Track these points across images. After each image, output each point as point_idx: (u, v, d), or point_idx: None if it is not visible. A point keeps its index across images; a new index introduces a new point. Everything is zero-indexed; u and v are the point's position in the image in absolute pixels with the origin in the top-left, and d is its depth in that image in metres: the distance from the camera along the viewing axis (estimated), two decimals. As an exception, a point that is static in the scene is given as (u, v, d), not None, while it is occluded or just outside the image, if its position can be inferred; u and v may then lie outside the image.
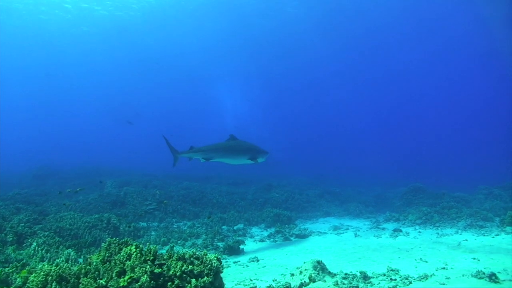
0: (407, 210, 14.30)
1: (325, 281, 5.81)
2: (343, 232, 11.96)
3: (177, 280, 4.06)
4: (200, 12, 38.54)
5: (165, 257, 4.46)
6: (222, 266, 4.74)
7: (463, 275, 6.20)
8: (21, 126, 73.28)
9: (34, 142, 65.27)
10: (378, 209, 17.86)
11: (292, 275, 6.28)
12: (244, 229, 13.01)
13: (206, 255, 4.63)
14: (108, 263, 4.58)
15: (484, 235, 9.86)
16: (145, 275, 3.95)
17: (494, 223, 11.62)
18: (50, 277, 4.27)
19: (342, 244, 9.90)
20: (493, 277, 5.85)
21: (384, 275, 6.46)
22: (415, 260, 7.46)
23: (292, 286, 5.93)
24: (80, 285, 4.13)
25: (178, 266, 4.17)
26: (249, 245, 10.62)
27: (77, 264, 5.33)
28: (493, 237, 9.51)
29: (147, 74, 59.16)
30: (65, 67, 55.98)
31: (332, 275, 6.23)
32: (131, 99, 70.11)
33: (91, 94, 69.84)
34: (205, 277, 4.21)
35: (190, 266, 4.24)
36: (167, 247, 9.64)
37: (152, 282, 3.95)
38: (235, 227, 13.29)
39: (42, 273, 4.29)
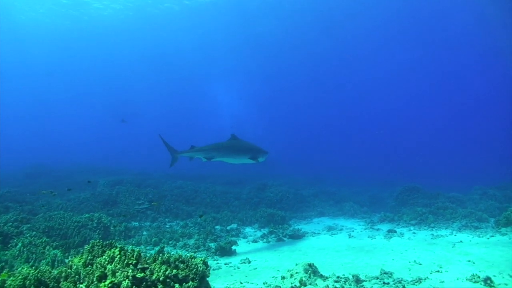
0: (401, 210, 14.18)
1: (316, 284, 5.66)
2: (337, 233, 11.83)
3: (160, 285, 3.90)
4: (199, 10, 38.30)
5: (149, 260, 4.29)
6: (209, 269, 4.58)
7: (457, 279, 6.07)
8: (17, 124, 72.79)
9: (30, 141, 64.90)
10: (373, 209, 17.74)
11: (283, 278, 6.13)
12: (238, 229, 12.85)
13: (193, 258, 4.47)
14: (90, 266, 4.41)
15: (479, 237, 9.75)
16: (127, 280, 3.78)
17: (489, 224, 11.52)
18: (28, 281, 4.09)
19: (335, 245, 9.76)
20: (488, 281, 5.72)
21: (377, 278, 6.32)
22: (409, 262, 7.32)
23: (282, 290, 5.78)
24: (59, 290, 3.96)
25: (161, 271, 4.01)
26: (241, 245, 10.46)
27: (61, 266, 5.15)
28: (488, 239, 9.39)
29: (145, 72, 58.90)
30: (63, 65, 55.62)
31: (324, 278, 6.08)
32: (130, 97, 69.80)
33: (89, 93, 69.49)
34: (190, 282, 4.05)
35: (174, 270, 4.07)
36: (158, 248, 9.47)
37: (133, 287, 3.78)
38: (228, 227, 13.13)
39: (20, 277, 4.11)
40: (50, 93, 68.50)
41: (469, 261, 7.10)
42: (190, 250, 9.86)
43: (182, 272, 4.13)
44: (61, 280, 4.20)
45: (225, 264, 8.17)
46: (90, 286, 3.93)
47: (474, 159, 50.10)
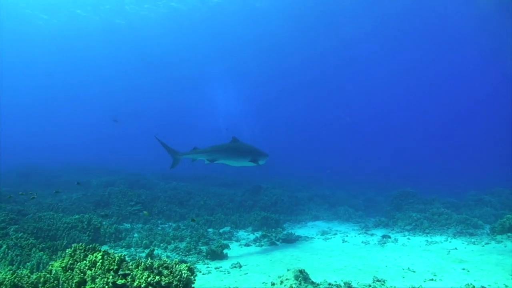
0: (396, 215, 14.04)
1: (307, 292, 5.50)
2: (331, 237, 11.68)
3: (142, 293, 3.73)
4: (199, 10, 38.17)
5: (131, 266, 4.11)
6: (195, 275, 4.41)
7: None
8: (15, 124, 72.30)
9: (27, 140, 64.44)
10: (368, 213, 17.62)
11: (273, 284, 5.97)
12: (231, 232, 12.67)
13: (177, 264, 4.29)
14: (70, 271, 4.23)
15: (474, 244, 9.63)
16: (106, 287, 3.61)
17: (484, 231, 11.42)
18: (3, 287, 3.90)
19: (329, 250, 9.61)
20: (483, 290, 5.59)
21: (370, 286, 6.17)
22: (403, 269, 7.17)
23: (272, 297, 5.62)
24: (35, 296, 3.78)
25: (143, 277, 3.84)
26: (234, 249, 10.29)
27: (40, 271, 4.97)
28: (483, 246, 9.27)
29: (144, 72, 58.64)
30: (62, 65, 55.32)
31: (315, 285, 5.92)
32: (128, 97, 69.49)
33: (86, 93, 69.10)
34: (173, 290, 3.88)
35: (157, 277, 3.90)
36: (147, 250, 9.29)
37: (113, 294, 3.62)
38: (221, 230, 12.96)
39: (-5, 282, 3.93)
40: (48, 93, 68.09)
41: (463, 269, 6.97)
42: (181, 253, 9.67)
43: (166, 278, 3.96)
44: (39, 285, 4.02)
45: (216, 268, 8.00)
46: (69, 293, 3.76)
47: (471, 162, 50.21)
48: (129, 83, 64.09)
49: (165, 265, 4.21)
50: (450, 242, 10.13)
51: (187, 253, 9.66)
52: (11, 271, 4.40)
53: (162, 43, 47.78)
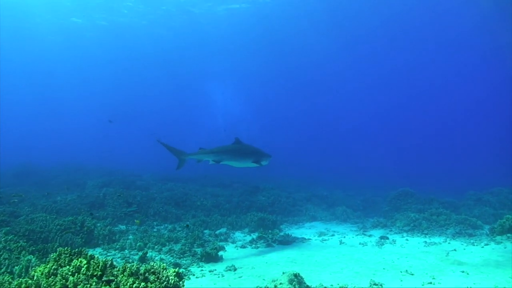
0: (395, 215, 13.88)
1: (301, 296, 5.33)
2: (328, 239, 11.51)
3: (126, 300, 3.56)
4: (199, 10, 37.97)
5: (115, 271, 3.93)
6: (183, 281, 4.24)
7: (450, 291, 5.77)
8: (15, 123, 71.96)
9: (28, 140, 64.14)
10: (366, 214, 17.48)
11: (267, 288, 5.80)
12: (227, 233, 12.51)
13: (165, 269, 4.12)
14: (53, 276, 4.05)
15: (474, 245, 9.47)
16: (88, 295, 3.44)
17: (483, 231, 11.27)
18: (-18, 294, 3.73)
19: (325, 252, 9.44)
20: (483, 294, 5.43)
21: (367, 289, 6.01)
22: (401, 272, 7.01)
23: (266, 301, 5.44)
24: (14, 304, 3.61)
25: (128, 284, 3.66)
26: (229, 251, 10.13)
27: (22, 277, 4.79)
28: (482, 247, 9.11)
29: (143, 72, 58.40)
30: (60, 65, 55.04)
31: (310, 289, 5.75)
32: (128, 97, 69.25)
33: (84, 92, 68.81)
34: (159, 297, 3.71)
35: (143, 283, 3.73)
36: (141, 253, 9.11)
37: (95, 302, 3.44)
38: (217, 232, 12.78)
39: (-27, 289, 3.75)
40: (47, 92, 67.82)
41: (463, 271, 6.81)
42: (175, 255, 9.50)
43: (152, 285, 3.78)
44: (20, 292, 3.84)
45: (210, 271, 7.82)
46: (50, 301, 3.58)
47: (470, 162, 50.12)
48: (128, 82, 63.85)
49: (152, 270, 4.04)
50: (449, 243, 9.97)
51: (181, 256, 9.48)
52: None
53: (162, 43, 47.58)
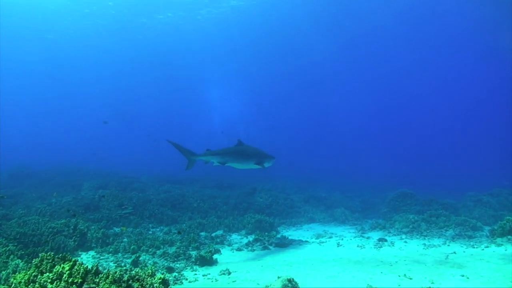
0: (393, 217, 13.68)
1: (295, 302, 5.14)
2: (326, 241, 11.31)
3: (107, 310, 3.37)
4: (198, 10, 37.80)
5: (97, 279, 3.74)
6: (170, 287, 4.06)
7: (450, 296, 5.58)
8: (9, 124, 71.71)
9: (26, 141, 63.91)
10: (365, 215, 17.31)
11: (260, 294, 5.60)
12: (223, 236, 12.33)
13: (151, 276, 3.93)
14: (32, 284, 3.87)
15: (474, 247, 9.28)
16: (66, 304, 3.25)
17: (483, 233, 11.08)
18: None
19: (322, 255, 9.24)
20: (483, 299, 5.24)
21: (363, 294, 5.82)
22: (399, 276, 6.81)
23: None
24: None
25: (110, 292, 3.48)
26: (225, 254, 9.94)
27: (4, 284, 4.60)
28: (482, 250, 8.92)
29: (143, 73, 58.17)
30: (60, 66, 54.83)
31: (305, 294, 5.56)
32: (127, 98, 69.01)
33: (83, 93, 68.56)
34: (143, 306, 3.52)
35: (125, 292, 3.54)
36: (134, 256, 8.92)
37: (74, 313, 3.25)
38: (213, 234, 12.61)
39: None
40: (45, 94, 67.56)
41: (463, 276, 6.61)
42: (169, 259, 9.31)
43: (135, 293, 3.60)
44: (-3, 301, 3.65)
45: (203, 275, 7.63)
46: (27, 310, 3.39)
47: (470, 162, 49.95)
48: (128, 84, 63.62)
49: (136, 277, 3.85)
50: (448, 245, 9.78)
51: (176, 259, 9.30)
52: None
53: (161, 43, 47.41)
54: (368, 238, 11.55)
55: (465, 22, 35.67)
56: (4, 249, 7.80)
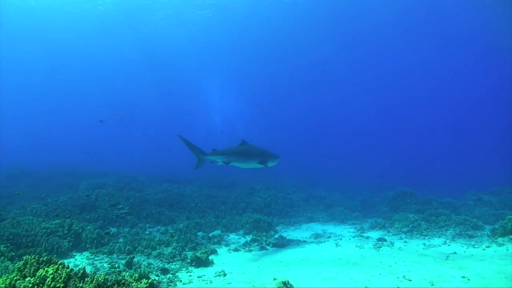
0: (393, 216, 13.51)
1: (290, 306, 4.97)
2: (324, 241, 11.14)
3: (89, 317, 3.20)
4: (199, 10, 37.65)
5: (81, 284, 3.58)
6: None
7: (450, 298, 5.41)
8: (8, 124, 71.53)
9: (19, 141, 63.68)
10: (365, 215, 17.14)
11: (255, 297, 5.44)
12: (221, 236, 12.16)
13: (137, 280, 3.77)
14: (13, 289, 3.70)
15: (474, 247, 9.11)
16: (45, 311, 3.08)
17: (484, 232, 10.91)
18: None
19: (320, 255, 9.07)
20: (485, 302, 5.07)
21: (361, 297, 5.65)
22: (398, 277, 6.64)
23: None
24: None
25: (92, 298, 3.31)
26: (221, 254, 9.78)
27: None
28: (483, 250, 8.75)
29: (142, 73, 58.02)
30: (56, 66, 54.67)
31: (301, 297, 5.40)
32: (127, 98, 68.88)
33: (83, 93, 68.44)
34: (127, 312, 3.35)
35: (109, 297, 3.38)
36: (129, 257, 8.76)
37: (53, 320, 3.09)
38: (210, 234, 12.45)
39: None
40: (44, 94, 67.45)
41: (463, 277, 6.44)
42: (164, 260, 9.15)
43: (119, 299, 3.43)
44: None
45: (198, 277, 7.47)
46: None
47: (470, 161, 49.78)
48: (128, 83, 63.47)
49: (122, 281, 3.68)
50: (448, 245, 9.61)
51: (171, 260, 9.14)
52: None
53: (161, 44, 47.25)
54: (367, 238, 11.38)
55: (465, 22, 35.48)
56: (-6, 251, 7.64)
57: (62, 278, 3.46)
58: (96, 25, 41.37)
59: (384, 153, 59.66)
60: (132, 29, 42.66)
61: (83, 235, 10.65)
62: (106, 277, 3.68)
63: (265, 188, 19.84)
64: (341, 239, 11.39)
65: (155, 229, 13.41)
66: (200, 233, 12.60)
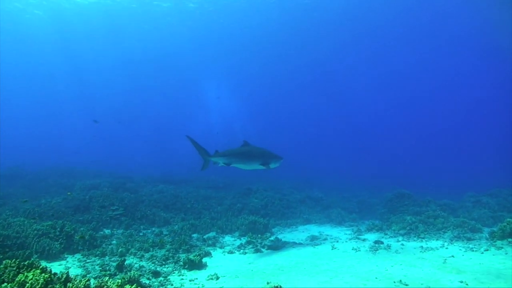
0: (390, 218, 13.36)
1: (282, 312, 4.81)
2: (320, 243, 10.98)
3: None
4: (199, 10, 37.49)
5: (59, 291, 3.41)
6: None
7: (447, 304, 5.25)
8: (14, 125, 71.25)
9: (17, 142, 63.39)
10: (362, 216, 16.99)
11: (246, 302, 5.27)
12: (216, 237, 12.00)
13: (121, 286, 3.60)
14: (-10, 296, 3.52)
15: (473, 250, 8.95)
16: (19, 321, 2.91)
17: (482, 235, 10.77)
18: None
19: (316, 259, 8.90)
20: (483, 308, 4.91)
21: (356, 302, 5.49)
22: (394, 282, 6.48)
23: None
24: None
25: (70, 306, 3.14)
26: (216, 257, 9.61)
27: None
28: (482, 253, 8.59)
29: (142, 74, 57.81)
30: (55, 67, 54.48)
31: (294, 303, 5.23)
32: (125, 99, 68.65)
33: (80, 94, 68.18)
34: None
35: (89, 305, 3.21)
36: (120, 260, 8.57)
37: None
38: (205, 236, 12.29)
39: None
40: (44, 94, 67.25)
41: (461, 281, 6.28)
42: (156, 262, 8.97)
43: (100, 307, 3.26)
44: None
45: (190, 280, 7.30)
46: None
47: (469, 162, 49.69)
48: (127, 84, 63.25)
49: (101, 285, 3.51)
50: (446, 248, 9.45)
51: (164, 262, 8.96)
52: None
53: (161, 44, 47.09)
54: (364, 240, 11.23)
55: (465, 23, 35.43)
56: (-20, 253, 7.44)
57: (40, 284, 3.29)
58: (97, 26, 41.20)
59: (383, 154, 59.61)
60: (132, 30, 42.53)
61: (75, 237, 10.46)
62: (87, 283, 3.51)
63: (262, 189, 19.67)
64: (337, 241, 11.23)
65: (149, 231, 13.23)
66: (195, 235, 12.44)
